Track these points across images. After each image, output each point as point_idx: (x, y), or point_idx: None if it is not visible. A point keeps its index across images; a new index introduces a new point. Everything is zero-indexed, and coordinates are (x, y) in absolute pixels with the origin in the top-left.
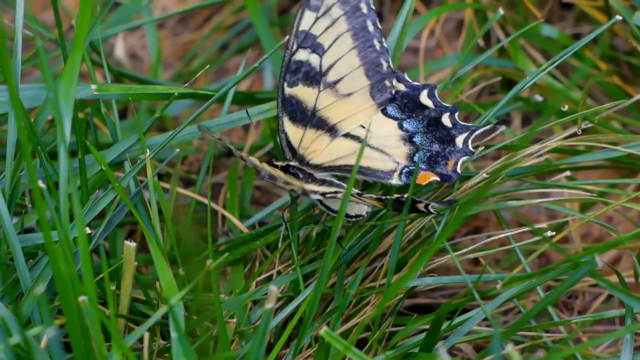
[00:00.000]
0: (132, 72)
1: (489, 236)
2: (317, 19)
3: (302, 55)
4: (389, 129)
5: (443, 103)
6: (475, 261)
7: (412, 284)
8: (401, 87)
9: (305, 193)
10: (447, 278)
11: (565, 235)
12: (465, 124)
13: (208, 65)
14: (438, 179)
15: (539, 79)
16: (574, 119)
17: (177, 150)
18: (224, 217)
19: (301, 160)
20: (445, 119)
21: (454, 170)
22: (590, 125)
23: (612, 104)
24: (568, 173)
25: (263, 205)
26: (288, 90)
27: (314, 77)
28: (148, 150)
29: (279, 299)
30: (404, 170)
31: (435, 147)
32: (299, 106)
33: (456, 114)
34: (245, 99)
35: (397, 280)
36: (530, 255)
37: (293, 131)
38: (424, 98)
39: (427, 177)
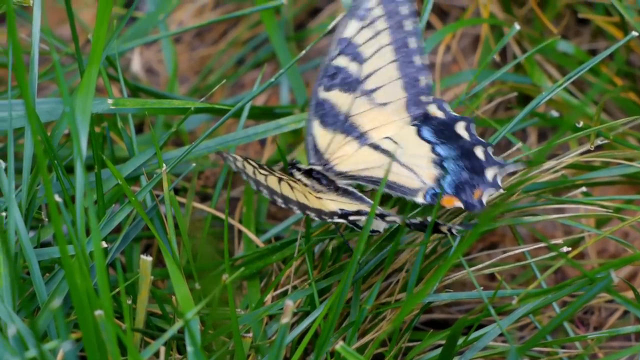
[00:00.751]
0: (148, 87)
1: (504, 251)
2: (362, 28)
3: (342, 61)
4: (422, 151)
5: (478, 137)
6: (491, 276)
7: (428, 300)
8: (440, 114)
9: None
10: (463, 294)
11: (581, 251)
12: (498, 159)
13: (224, 80)
14: (462, 206)
15: (555, 94)
16: (590, 135)
17: (194, 164)
18: (240, 231)
19: (325, 165)
20: (479, 152)
21: (479, 201)
22: (606, 141)
23: (627, 119)
24: (584, 189)
25: (279, 220)
26: (323, 94)
27: (351, 84)
28: (164, 165)
29: (295, 314)
30: (429, 191)
31: (465, 175)
32: (332, 110)
33: (489, 149)
34: (262, 114)
35: (414, 295)
36: (546, 270)
37: (322, 134)
38: (460, 129)
39: (452, 201)
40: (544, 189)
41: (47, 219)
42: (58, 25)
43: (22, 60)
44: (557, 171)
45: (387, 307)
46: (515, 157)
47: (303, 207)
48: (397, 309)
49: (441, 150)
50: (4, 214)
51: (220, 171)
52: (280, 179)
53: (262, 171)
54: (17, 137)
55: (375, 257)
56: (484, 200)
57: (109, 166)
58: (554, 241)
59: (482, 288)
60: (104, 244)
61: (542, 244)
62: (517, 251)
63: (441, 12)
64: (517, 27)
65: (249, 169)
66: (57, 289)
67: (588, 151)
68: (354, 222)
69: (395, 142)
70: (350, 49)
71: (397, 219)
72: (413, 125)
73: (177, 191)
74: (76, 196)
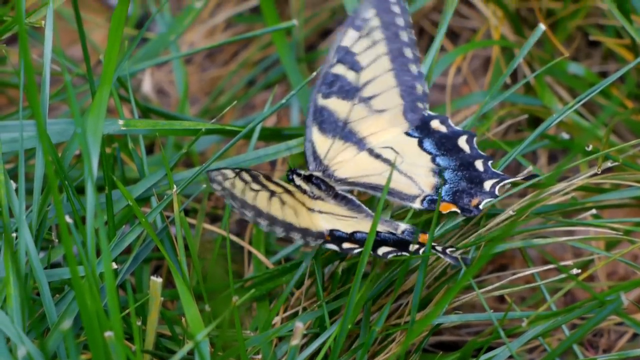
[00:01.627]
0: (159, 108)
1: (514, 273)
2: (359, 38)
3: (339, 69)
4: (422, 161)
5: (479, 151)
6: (501, 298)
7: (437, 321)
8: (443, 128)
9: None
10: (473, 315)
11: (591, 274)
12: (498, 172)
13: (235, 102)
14: (459, 211)
15: (566, 116)
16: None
17: (204, 185)
18: (250, 253)
19: (325, 171)
20: (479, 164)
21: (477, 207)
22: (616, 163)
23: (637, 141)
24: (594, 211)
25: (289, 242)
26: (321, 101)
27: (348, 91)
28: (175, 186)
29: (304, 335)
30: (427, 198)
31: (463, 184)
32: (331, 117)
33: (489, 162)
34: (272, 135)
35: (423, 317)
36: (556, 293)
37: (321, 141)
38: (462, 142)
39: (448, 207)
40: (554, 211)
41: (57, 240)
42: (69, 45)
43: (34, 80)
44: (567, 193)
45: (396, 329)
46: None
47: (288, 229)
48: (407, 330)
49: (441, 161)
50: (14, 234)
51: None
52: (272, 194)
53: (255, 186)
54: (27, 157)
55: (384, 279)
56: (481, 207)
57: (120, 188)
58: (563, 263)
59: (491, 310)
60: (114, 265)
61: (551, 266)
62: (526, 273)
63: (452, 34)
64: (543, 27)
65: (239, 187)
66: (67, 310)
67: (597, 174)
68: (346, 250)
69: (396, 152)
70: (348, 58)
71: (393, 236)
72: (414, 136)
73: (187, 212)
74: (87, 217)
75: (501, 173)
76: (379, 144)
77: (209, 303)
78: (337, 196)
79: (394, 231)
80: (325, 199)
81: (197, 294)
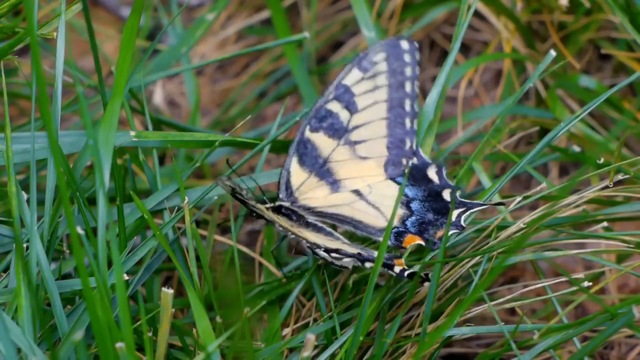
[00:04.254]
0: (170, 119)
1: (525, 286)
2: (362, 79)
3: (334, 106)
4: (390, 191)
5: (448, 181)
6: (512, 311)
7: (449, 333)
8: (413, 159)
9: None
10: (484, 328)
11: (602, 286)
12: (465, 200)
13: (249, 116)
14: (423, 243)
15: (578, 130)
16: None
17: (215, 197)
18: (260, 264)
19: (294, 202)
20: (446, 194)
21: (440, 239)
22: (627, 176)
23: None
24: (605, 224)
25: (300, 254)
26: (308, 134)
27: (337, 130)
28: (186, 198)
29: (315, 347)
30: (393, 231)
31: (430, 216)
32: (313, 152)
33: (457, 193)
34: (283, 147)
35: (434, 329)
36: (567, 305)
37: (297, 173)
38: (432, 173)
39: (413, 240)
40: (565, 223)
41: (68, 251)
42: (80, 57)
43: (46, 92)
44: (578, 206)
45: (407, 341)
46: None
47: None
48: (418, 342)
49: (409, 191)
50: (26, 245)
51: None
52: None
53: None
54: (39, 168)
55: (395, 290)
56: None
57: (136, 202)
58: (575, 276)
59: (502, 322)
60: (126, 277)
61: (563, 279)
62: (537, 285)
63: (464, 47)
64: (553, 53)
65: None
66: (78, 320)
67: (608, 187)
68: (318, 255)
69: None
70: (346, 97)
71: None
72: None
73: (198, 224)
74: (98, 228)
75: (468, 202)
76: (352, 186)
77: (219, 314)
78: (308, 225)
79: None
80: (297, 228)
81: (208, 301)
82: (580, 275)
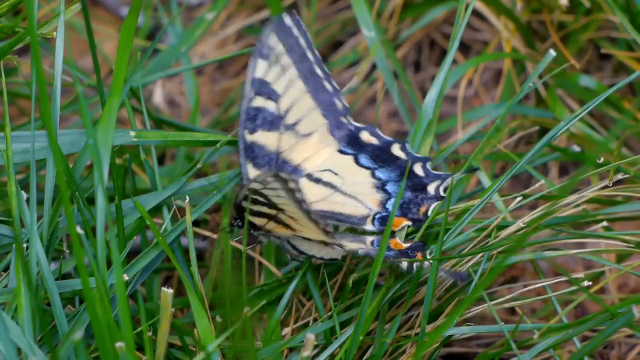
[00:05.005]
0: (170, 119)
1: (525, 285)
2: (269, 66)
3: (259, 102)
4: (362, 178)
5: (415, 154)
6: (511, 310)
7: (448, 333)
8: (374, 140)
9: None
10: (484, 327)
11: (602, 286)
12: (437, 172)
13: None
14: (410, 223)
15: (578, 129)
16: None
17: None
18: (260, 264)
19: None
20: (418, 168)
21: (425, 214)
22: (627, 175)
23: None
24: (605, 223)
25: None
26: (249, 138)
27: (272, 122)
28: (187, 197)
29: (315, 347)
30: (376, 216)
31: (408, 194)
32: (262, 151)
33: (428, 164)
34: None
35: (434, 329)
36: (567, 305)
37: None
38: (396, 150)
39: (400, 222)
40: (565, 223)
41: (68, 251)
42: (80, 56)
43: (46, 91)
44: (578, 206)
45: (407, 340)
46: (537, 192)
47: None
48: (417, 342)
49: (381, 174)
50: (25, 245)
51: None
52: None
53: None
54: (38, 168)
55: (396, 289)
56: (429, 213)
57: (138, 208)
58: (574, 275)
59: (502, 322)
60: (125, 277)
61: (562, 278)
62: (537, 285)
63: (463, 46)
64: (553, 53)
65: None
66: (77, 320)
67: (608, 186)
68: (298, 249)
69: (336, 174)
70: (264, 88)
71: (370, 251)
72: (348, 153)
73: (197, 223)
74: (97, 228)
75: (442, 173)
76: (315, 168)
77: (219, 313)
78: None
79: (368, 247)
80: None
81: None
82: (580, 275)
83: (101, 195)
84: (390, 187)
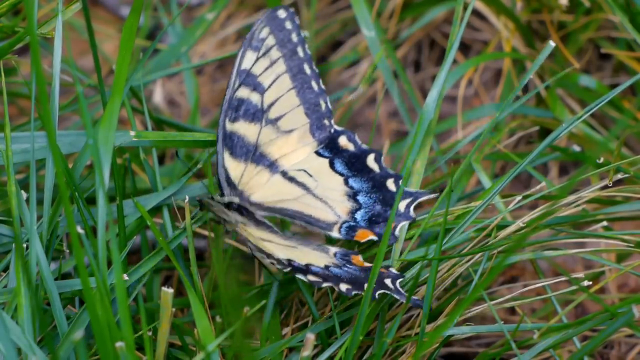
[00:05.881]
0: (170, 119)
1: (525, 285)
2: (257, 59)
3: (243, 92)
4: (335, 184)
5: (388, 170)
6: (511, 310)
7: (448, 333)
8: (351, 146)
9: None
10: (484, 327)
11: (602, 286)
12: (410, 190)
13: None
14: (376, 238)
15: (578, 129)
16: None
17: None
18: (260, 264)
19: (241, 196)
20: (390, 184)
21: (392, 234)
22: (627, 175)
23: None
24: (605, 223)
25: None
26: (230, 126)
27: (255, 114)
28: (187, 197)
29: (315, 346)
30: (344, 225)
31: (378, 208)
32: (241, 141)
33: (400, 181)
34: None
35: (434, 329)
36: (567, 304)
37: (234, 166)
38: (371, 161)
39: (366, 235)
40: (565, 223)
41: (68, 251)
42: (80, 56)
43: (46, 91)
44: (578, 205)
45: (407, 340)
46: (537, 192)
47: (268, 256)
48: (417, 342)
49: (354, 182)
50: (25, 245)
51: None
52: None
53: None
54: (38, 168)
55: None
56: (397, 232)
57: (140, 209)
58: (574, 275)
59: (502, 322)
60: (125, 277)
61: (562, 278)
62: (537, 285)
63: (463, 46)
64: (552, 44)
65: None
66: (77, 320)
67: (608, 186)
68: (314, 283)
69: (310, 175)
70: (250, 80)
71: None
72: (324, 156)
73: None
74: (98, 228)
75: (414, 191)
76: (291, 166)
77: (219, 313)
78: (258, 223)
79: (329, 258)
80: (248, 225)
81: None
82: (580, 275)
83: (102, 195)
84: (361, 198)
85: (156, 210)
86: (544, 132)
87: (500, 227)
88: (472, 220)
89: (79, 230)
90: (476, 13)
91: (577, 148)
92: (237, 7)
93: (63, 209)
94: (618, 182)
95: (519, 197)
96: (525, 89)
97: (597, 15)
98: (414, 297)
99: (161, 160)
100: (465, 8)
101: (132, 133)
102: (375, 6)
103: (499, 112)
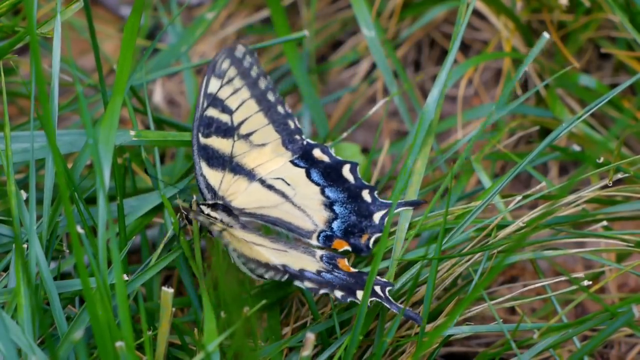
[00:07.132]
0: (170, 119)
1: (525, 285)
2: (221, 85)
3: (212, 112)
4: (312, 193)
5: (363, 181)
6: (511, 310)
7: (448, 333)
8: (325, 158)
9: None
10: (484, 327)
11: (602, 285)
12: (385, 201)
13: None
14: (350, 249)
15: (577, 129)
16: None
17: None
18: None
19: (222, 201)
20: (365, 194)
21: (367, 245)
22: (627, 175)
23: None
24: (605, 223)
25: None
26: (203, 140)
27: (226, 131)
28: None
29: (315, 346)
30: (322, 234)
31: (353, 218)
32: (215, 153)
33: (375, 192)
34: None
35: (434, 328)
36: (567, 304)
37: (212, 175)
38: (346, 172)
39: (342, 245)
40: (565, 222)
41: (68, 250)
42: (80, 56)
43: (46, 91)
44: (578, 205)
45: (407, 340)
46: (537, 192)
47: (259, 265)
48: (417, 342)
49: (330, 192)
50: (25, 245)
51: None
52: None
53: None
54: (38, 168)
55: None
56: (371, 244)
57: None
58: (574, 275)
59: (502, 321)
60: (125, 277)
61: (562, 278)
62: (537, 285)
63: (463, 46)
64: (547, 35)
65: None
66: (77, 320)
67: (608, 186)
68: (311, 289)
69: (288, 184)
70: (218, 103)
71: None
72: (300, 166)
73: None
74: (98, 228)
75: (389, 202)
76: (268, 174)
77: (223, 312)
78: (244, 226)
79: (318, 262)
80: (235, 227)
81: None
82: (580, 275)
83: (102, 195)
84: (337, 208)
85: (157, 210)
86: (544, 131)
87: (500, 226)
88: (472, 220)
89: (79, 230)
90: (476, 13)
91: (577, 148)
92: (237, 6)
93: (63, 209)
94: (618, 182)
95: (519, 197)
96: (526, 89)
97: (597, 15)
98: (408, 309)
99: (161, 159)
100: (466, 8)
101: (132, 132)
102: (375, 6)
103: (495, 108)
